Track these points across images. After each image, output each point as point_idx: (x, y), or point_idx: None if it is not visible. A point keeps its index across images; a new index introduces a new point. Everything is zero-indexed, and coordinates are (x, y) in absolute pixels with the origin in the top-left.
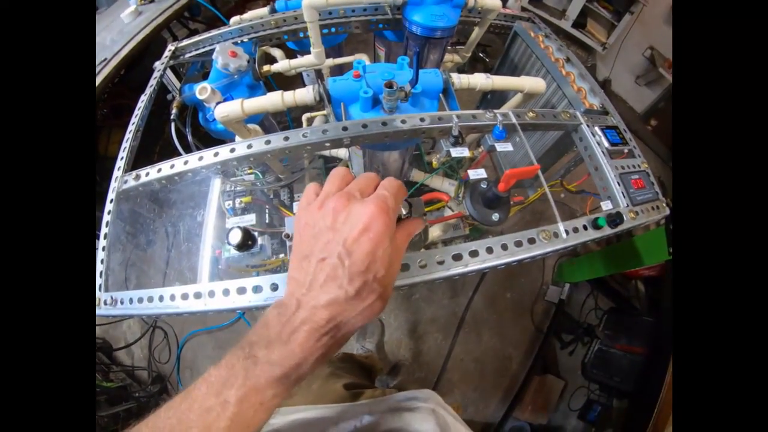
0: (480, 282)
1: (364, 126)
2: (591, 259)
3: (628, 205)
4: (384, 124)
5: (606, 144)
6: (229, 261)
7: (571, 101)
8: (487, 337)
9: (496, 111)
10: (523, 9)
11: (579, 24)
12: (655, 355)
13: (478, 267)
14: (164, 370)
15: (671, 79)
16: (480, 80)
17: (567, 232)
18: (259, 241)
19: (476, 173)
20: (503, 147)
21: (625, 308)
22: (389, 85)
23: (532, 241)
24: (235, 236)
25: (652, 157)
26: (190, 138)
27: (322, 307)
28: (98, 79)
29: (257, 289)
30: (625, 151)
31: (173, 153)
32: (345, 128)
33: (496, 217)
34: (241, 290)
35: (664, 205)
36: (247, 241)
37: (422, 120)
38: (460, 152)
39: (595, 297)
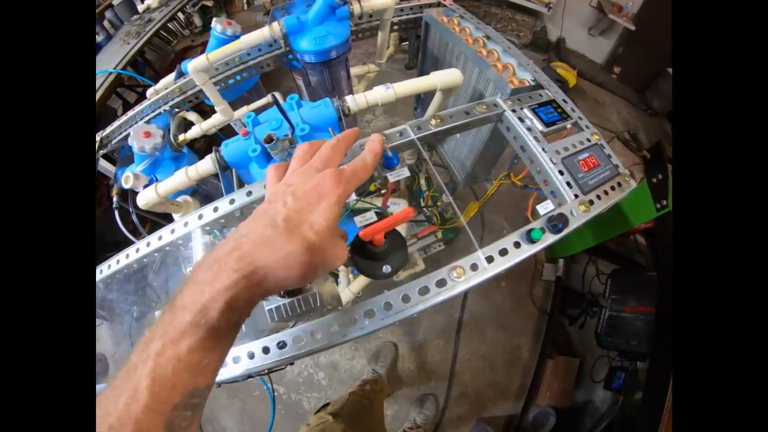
0: None
1: (249, 193)
2: (576, 234)
3: (578, 196)
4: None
5: (540, 127)
6: None
7: (495, 84)
8: (491, 332)
9: (387, 132)
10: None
11: None
12: (664, 309)
13: (376, 327)
14: None
15: (624, 23)
16: (380, 94)
17: (490, 259)
18: None
19: (364, 218)
20: (398, 175)
21: (628, 267)
22: (269, 140)
23: (441, 283)
24: None
25: (623, 105)
26: (135, 218)
27: (245, 237)
28: None
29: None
30: (568, 126)
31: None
32: (249, 193)
33: (388, 269)
34: None
35: (628, 178)
36: None
37: None
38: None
39: (594, 262)
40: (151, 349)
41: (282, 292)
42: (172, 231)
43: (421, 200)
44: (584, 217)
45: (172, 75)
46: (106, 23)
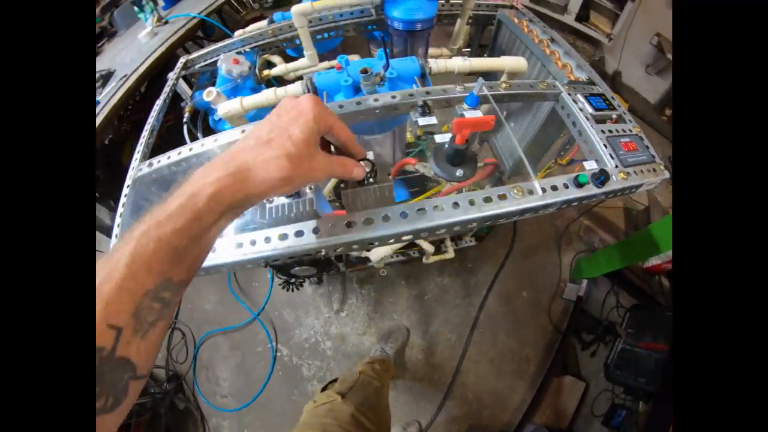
0: (494, 281)
1: (341, 106)
2: (608, 253)
3: (617, 166)
4: (358, 103)
5: (589, 109)
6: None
7: (554, 76)
8: (503, 338)
9: (466, 84)
10: (525, 7)
11: (582, 17)
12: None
13: (442, 222)
14: (181, 370)
15: None
16: (458, 63)
17: (543, 189)
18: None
19: (442, 137)
20: (471, 113)
21: (649, 305)
22: (364, 71)
23: (503, 197)
24: None
25: (669, 148)
26: (200, 137)
27: (234, 148)
28: (119, 94)
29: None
30: (614, 116)
31: None
32: None
33: (460, 173)
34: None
35: (662, 167)
36: None
37: (393, 97)
38: (428, 121)
39: (616, 294)
40: (134, 232)
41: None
42: (216, 140)
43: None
44: (623, 183)
45: (263, 22)
46: None
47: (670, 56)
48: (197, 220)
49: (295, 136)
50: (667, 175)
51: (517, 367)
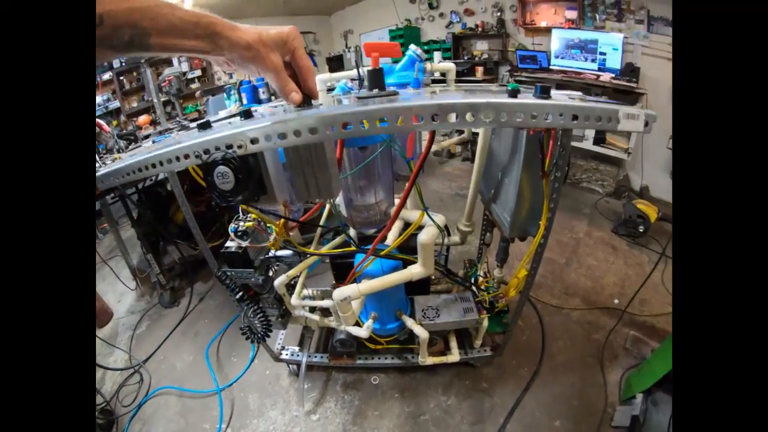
0: (515, 406)
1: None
2: (662, 352)
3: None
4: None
5: None
6: None
7: None
8: None
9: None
10: None
11: (599, 140)
12: None
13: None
14: (119, 411)
15: None
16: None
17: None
18: None
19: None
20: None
21: None
22: None
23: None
24: None
25: None
26: None
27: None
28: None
29: None
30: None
31: None
32: None
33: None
34: None
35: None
36: None
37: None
38: None
39: None
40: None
41: None
42: None
43: (473, 281)
44: (583, 104)
45: None
46: None
47: None
48: (193, 23)
49: (268, 33)
50: (650, 111)
51: None
